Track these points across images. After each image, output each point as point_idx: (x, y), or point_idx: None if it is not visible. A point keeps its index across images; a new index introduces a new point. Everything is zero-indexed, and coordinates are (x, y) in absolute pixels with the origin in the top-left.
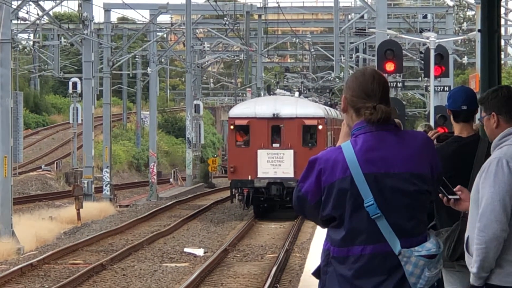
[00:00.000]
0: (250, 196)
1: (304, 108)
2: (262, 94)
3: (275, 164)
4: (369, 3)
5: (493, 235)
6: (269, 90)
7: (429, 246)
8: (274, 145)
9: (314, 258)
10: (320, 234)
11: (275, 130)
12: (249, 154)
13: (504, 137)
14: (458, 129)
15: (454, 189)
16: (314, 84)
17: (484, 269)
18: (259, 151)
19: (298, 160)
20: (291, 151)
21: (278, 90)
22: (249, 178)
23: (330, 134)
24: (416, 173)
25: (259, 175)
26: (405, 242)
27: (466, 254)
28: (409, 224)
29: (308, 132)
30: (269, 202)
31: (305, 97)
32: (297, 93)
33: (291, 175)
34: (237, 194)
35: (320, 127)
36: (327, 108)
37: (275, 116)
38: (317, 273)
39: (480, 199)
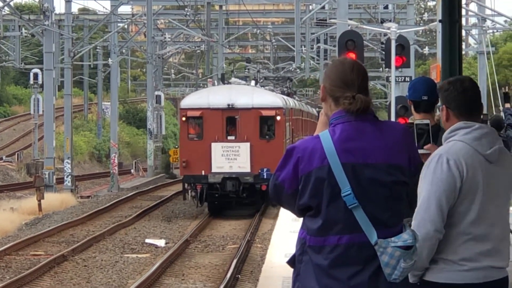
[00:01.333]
0: (204, 192)
1: (261, 97)
2: (215, 84)
3: (231, 158)
4: None
5: (426, 235)
6: (223, 79)
7: (406, 237)
8: (229, 137)
9: (275, 248)
10: (281, 225)
11: (230, 121)
12: (203, 148)
13: (452, 132)
14: (419, 117)
15: (425, 147)
16: (273, 73)
17: (417, 268)
18: (213, 144)
19: (255, 153)
20: (247, 144)
21: (233, 79)
22: (203, 173)
23: (289, 125)
24: (394, 164)
25: (213, 170)
26: (381, 232)
27: None
28: (385, 215)
29: (265, 124)
30: (224, 198)
31: (262, 86)
32: (253, 82)
33: (248, 169)
34: (190, 191)
35: (278, 118)
36: (285, 97)
37: (230, 106)
38: (291, 262)
39: (418, 195)
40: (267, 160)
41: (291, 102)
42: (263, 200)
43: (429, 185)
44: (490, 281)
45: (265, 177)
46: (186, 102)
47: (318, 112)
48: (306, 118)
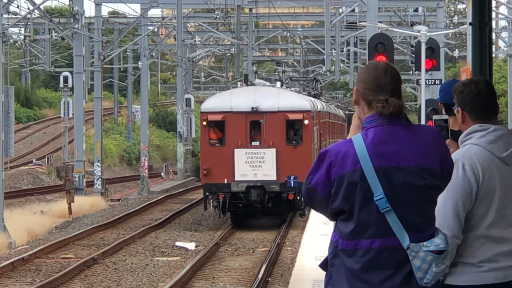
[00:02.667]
0: (226, 202)
1: (287, 100)
2: (238, 85)
3: (255, 165)
4: None
5: None
6: (246, 80)
7: (438, 241)
8: (253, 143)
9: (305, 251)
10: (311, 228)
11: (255, 126)
12: (225, 154)
13: (468, 135)
14: (450, 122)
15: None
16: (298, 73)
17: None
18: (236, 151)
19: (281, 160)
20: (273, 150)
21: (257, 80)
22: (225, 182)
23: (316, 129)
24: (426, 167)
25: (237, 178)
26: (413, 236)
27: None
28: (418, 219)
29: (292, 128)
30: (249, 209)
31: (287, 87)
32: (278, 83)
33: (274, 177)
34: (211, 200)
35: (306, 121)
36: (313, 99)
37: (254, 109)
38: (324, 265)
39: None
40: (294, 167)
41: (319, 104)
42: (289, 210)
43: (445, 190)
44: (511, 280)
45: (292, 185)
46: (207, 105)
47: (348, 115)
48: (334, 121)
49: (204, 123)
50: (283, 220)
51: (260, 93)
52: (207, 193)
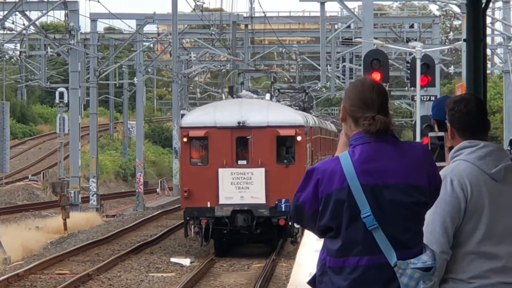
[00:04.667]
0: (209, 228)
1: (278, 114)
2: (223, 98)
3: (242, 186)
4: (355, 13)
5: None
6: (232, 92)
7: (425, 258)
8: (239, 162)
9: (300, 267)
10: (306, 244)
11: (241, 142)
12: (208, 174)
13: (458, 151)
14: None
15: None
16: (287, 84)
17: None
18: (221, 170)
19: (271, 181)
20: (262, 170)
21: (243, 92)
22: (208, 205)
23: (309, 146)
24: (414, 184)
25: (221, 201)
26: (401, 254)
27: None
28: (405, 236)
29: (283, 145)
30: (234, 235)
31: (277, 100)
32: (267, 95)
33: (262, 200)
34: (192, 226)
35: (299, 138)
36: (305, 114)
37: (241, 124)
38: (312, 282)
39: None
40: (286, 189)
41: (310, 119)
42: (280, 237)
43: (433, 206)
44: None
45: (283, 209)
46: (187, 120)
47: (339, 129)
48: (325, 136)
49: (185, 139)
50: (272, 248)
51: (248, 106)
52: (187, 218)
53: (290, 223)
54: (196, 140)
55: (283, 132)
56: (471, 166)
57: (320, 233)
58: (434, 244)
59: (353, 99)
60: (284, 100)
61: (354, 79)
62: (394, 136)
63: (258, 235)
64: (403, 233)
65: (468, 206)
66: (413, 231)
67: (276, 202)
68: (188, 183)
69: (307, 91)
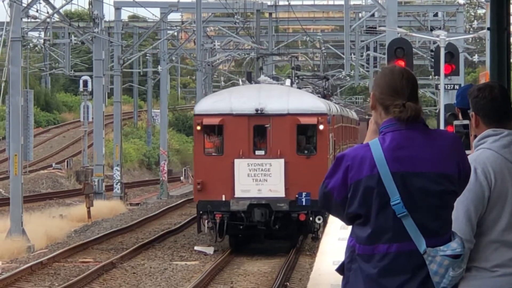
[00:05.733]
0: (224, 223)
1: (298, 101)
2: (240, 83)
3: (259, 179)
4: (379, 1)
5: None
6: (250, 78)
7: (454, 246)
8: (257, 152)
9: (324, 256)
10: (330, 233)
11: (259, 131)
12: (223, 166)
13: (482, 139)
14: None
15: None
16: (311, 73)
17: None
18: (237, 161)
19: (290, 173)
20: (281, 161)
21: (262, 77)
22: (223, 199)
23: (331, 136)
24: (444, 173)
25: (237, 194)
26: (430, 241)
27: None
28: (434, 224)
29: (304, 134)
30: (251, 231)
31: (298, 87)
32: (288, 81)
33: (282, 194)
34: (206, 221)
35: (321, 127)
36: (328, 102)
37: (259, 112)
38: (341, 270)
39: None
40: (307, 182)
41: (333, 107)
42: (300, 233)
43: None
44: None
45: (304, 203)
46: (201, 107)
47: (364, 119)
48: (347, 125)
49: (198, 127)
50: (292, 245)
51: (266, 93)
52: (201, 212)
53: (311, 218)
54: (211, 128)
55: (304, 121)
56: (495, 155)
57: (349, 221)
58: (457, 232)
59: (383, 86)
60: (305, 87)
61: (378, 67)
62: (424, 124)
63: (277, 231)
64: (432, 221)
65: (492, 195)
66: (442, 219)
67: (296, 195)
68: (201, 174)
69: (328, 77)
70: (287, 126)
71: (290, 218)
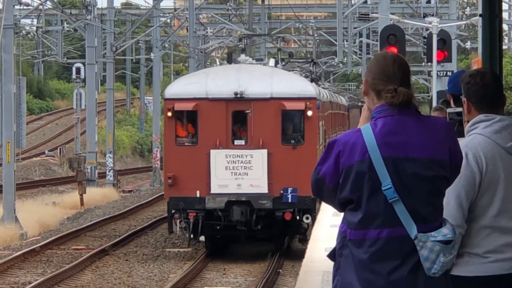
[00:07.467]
0: (199, 223)
1: (284, 83)
2: (217, 63)
3: (239, 172)
4: None
5: None
6: (231, 59)
7: (445, 231)
8: (236, 142)
9: (316, 243)
10: (322, 220)
11: (239, 118)
12: (198, 157)
13: (473, 125)
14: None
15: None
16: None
17: None
18: (213, 152)
19: (274, 165)
20: (264, 152)
21: (242, 57)
22: (198, 196)
23: (322, 124)
24: (435, 159)
25: (214, 190)
26: (421, 227)
27: None
28: (426, 209)
29: (290, 122)
30: (230, 231)
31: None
32: (272, 61)
33: (264, 189)
34: (178, 221)
35: (309, 113)
36: (317, 86)
37: (239, 96)
38: (332, 255)
39: None
40: (293, 176)
41: (324, 92)
42: (286, 234)
43: None
44: None
45: (289, 200)
46: (173, 90)
47: (355, 105)
48: (336, 111)
49: (169, 114)
50: (276, 248)
51: (247, 74)
52: (172, 210)
53: (298, 217)
54: (183, 114)
55: (290, 106)
56: (486, 140)
57: (340, 206)
58: (448, 218)
59: (375, 72)
60: (293, 70)
61: (371, 54)
62: (416, 109)
63: (259, 232)
64: (423, 207)
65: (483, 180)
66: (433, 204)
67: (281, 191)
68: (173, 167)
69: (315, 60)
70: (271, 112)
71: (274, 217)
